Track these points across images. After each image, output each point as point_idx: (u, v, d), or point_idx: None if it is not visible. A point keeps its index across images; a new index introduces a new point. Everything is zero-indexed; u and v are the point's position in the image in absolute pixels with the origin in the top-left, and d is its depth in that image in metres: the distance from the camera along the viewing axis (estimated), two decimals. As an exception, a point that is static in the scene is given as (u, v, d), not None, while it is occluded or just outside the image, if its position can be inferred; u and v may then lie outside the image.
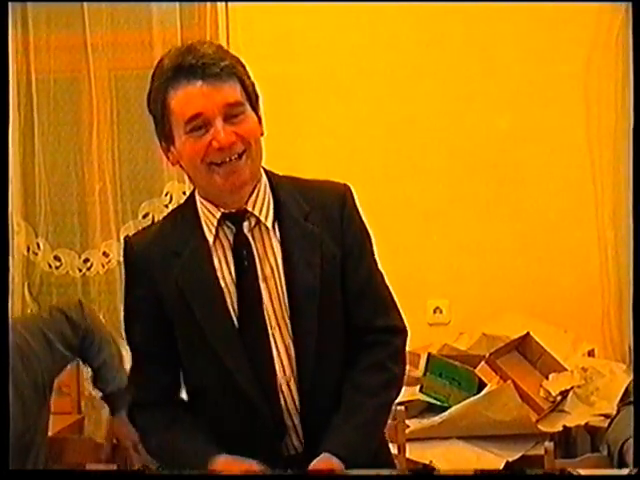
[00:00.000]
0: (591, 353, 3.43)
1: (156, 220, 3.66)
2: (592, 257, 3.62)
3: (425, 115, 3.65)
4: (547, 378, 3.16)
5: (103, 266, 3.69)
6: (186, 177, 3.56)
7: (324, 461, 1.81)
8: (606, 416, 2.90)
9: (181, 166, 1.85)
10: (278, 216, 1.86)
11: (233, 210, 1.84)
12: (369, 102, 3.65)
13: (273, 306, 1.84)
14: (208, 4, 3.61)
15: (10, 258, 3.68)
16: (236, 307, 1.83)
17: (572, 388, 3.13)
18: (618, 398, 3.03)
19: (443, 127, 3.65)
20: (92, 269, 3.70)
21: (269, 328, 1.84)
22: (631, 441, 2.29)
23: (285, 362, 1.85)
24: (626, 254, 3.56)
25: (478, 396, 3.00)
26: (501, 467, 2.83)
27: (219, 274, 1.84)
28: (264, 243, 1.86)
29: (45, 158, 3.68)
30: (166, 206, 3.67)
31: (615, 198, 3.57)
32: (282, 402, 1.85)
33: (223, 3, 3.58)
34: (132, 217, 3.70)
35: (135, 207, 3.71)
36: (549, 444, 2.48)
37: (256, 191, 1.85)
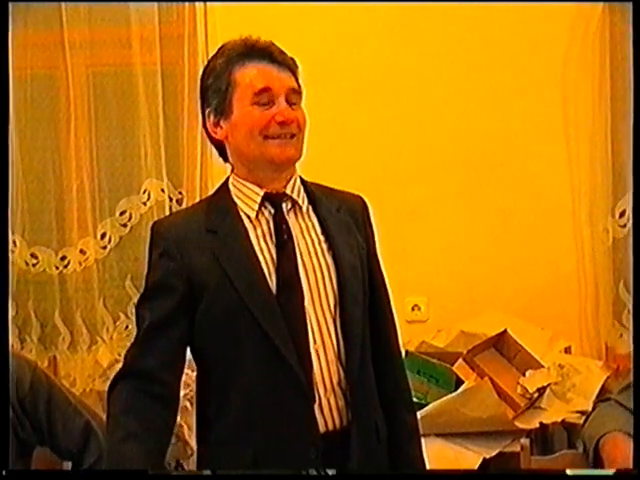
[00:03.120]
0: (568, 350, 3.44)
1: (134, 218, 3.65)
2: (569, 255, 3.64)
3: (402, 114, 3.64)
4: (524, 375, 3.18)
5: (80, 264, 3.66)
6: (165, 174, 3.62)
7: None
8: (582, 413, 2.92)
9: (222, 144, 1.99)
10: (313, 205, 2.02)
11: (274, 191, 1.96)
12: (345, 101, 3.64)
13: (308, 280, 1.94)
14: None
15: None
16: (274, 278, 1.91)
17: (549, 385, 3.15)
18: (594, 395, 3.05)
19: (420, 126, 3.65)
20: (69, 267, 3.67)
21: (305, 300, 1.93)
22: (606, 437, 2.31)
23: (316, 330, 1.93)
24: (602, 252, 3.58)
25: (455, 393, 3.01)
26: (478, 464, 2.85)
27: (257, 248, 1.93)
28: (301, 224, 1.99)
29: (22, 155, 3.64)
30: (144, 203, 3.65)
31: (592, 196, 3.59)
32: (315, 368, 1.91)
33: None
34: (110, 214, 3.67)
35: (113, 204, 3.68)
36: (525, 441, 2.50)
37: (293, 179, 2.00)
